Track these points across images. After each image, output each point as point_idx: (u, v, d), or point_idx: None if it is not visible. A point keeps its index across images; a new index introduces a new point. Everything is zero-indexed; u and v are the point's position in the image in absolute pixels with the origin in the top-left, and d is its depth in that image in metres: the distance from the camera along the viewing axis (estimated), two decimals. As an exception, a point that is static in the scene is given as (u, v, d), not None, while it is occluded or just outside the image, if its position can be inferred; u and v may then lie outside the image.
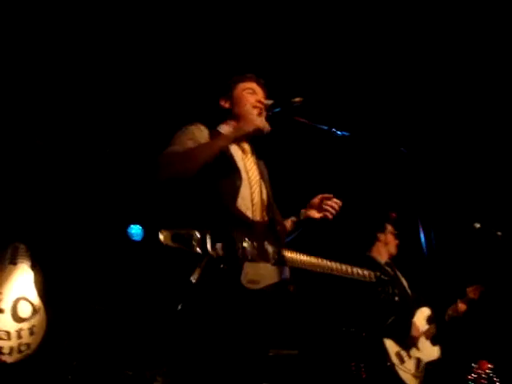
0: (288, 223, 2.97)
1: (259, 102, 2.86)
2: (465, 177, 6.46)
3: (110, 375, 6.23)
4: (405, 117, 5.84)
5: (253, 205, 2.64)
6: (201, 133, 2.70)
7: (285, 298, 2.57)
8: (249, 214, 2.59)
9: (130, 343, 6.83)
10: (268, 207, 2.75)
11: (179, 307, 2.36)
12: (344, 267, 2.81)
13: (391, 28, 5.18)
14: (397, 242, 4.78)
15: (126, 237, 7.43)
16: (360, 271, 2.85)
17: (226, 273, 2.34)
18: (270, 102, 2.86)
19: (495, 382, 7.11)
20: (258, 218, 2.63)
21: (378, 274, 2.93)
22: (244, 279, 2.37)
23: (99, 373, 6.35)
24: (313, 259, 2.71)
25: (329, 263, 2.75)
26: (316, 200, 2.96)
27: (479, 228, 4.30)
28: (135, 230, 7.46)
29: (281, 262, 2.54)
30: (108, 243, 7.16)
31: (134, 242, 7.43)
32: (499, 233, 4.33)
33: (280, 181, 3.04)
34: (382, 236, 4.78)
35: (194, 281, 2.27)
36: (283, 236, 2.76)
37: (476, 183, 6.53)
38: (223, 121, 2.91)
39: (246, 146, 2.89)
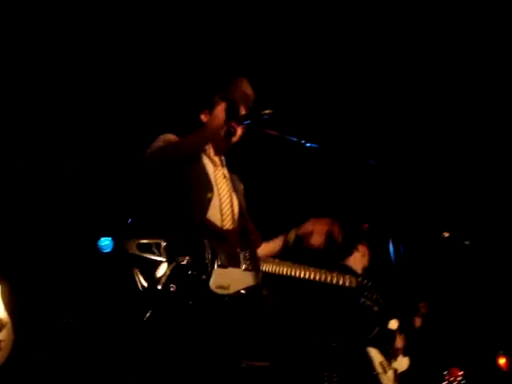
0: (277, 242, 2.98)
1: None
2: (433, 186, 6.55)
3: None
4: (372, 129, 5.91)
5: (222, 214, 2.66)
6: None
7: (258, 303, 2.57)
8: (218, 223, 2.60)
9: (100, 356, 6.75)
10: (240, 217, 2.77)
11: (147, 316, 2.34)
12: (323, 273, 2.82)
13: (356, 42, 5.24)
14: (369, 256, 4.82)
15: (96, 249, 7.35)
16: (340, 277, 2.86)
17: (194, 279, 2.35)
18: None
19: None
20: (228, 227, 2.64)
21: (360, 279, 2.94)
22: (213, 284, 2.37)
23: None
24: (288, 265, 2.73)
25: (306, 269, 2.77)
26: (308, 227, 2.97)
27: (447, 237, 4.36)
28: (105, 242, 7.39)
29: (253, 267, 2.56)
30: (78, 255, 7.08)
31: (104, 254, 7.36)
32: (467, 242, 4.39)
33: (253, 192, 3.05)
34: (360, 247, 4.81)
35: (159, 288, 2.27)
36: (256, 244, 2.77)
37: (444, 193, 6.63)
38: None
39: (217, 159, 2.92)
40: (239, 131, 2.90)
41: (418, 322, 4.75)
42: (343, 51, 5.28)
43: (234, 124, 2.87)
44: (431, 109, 5.88)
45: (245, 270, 2.55)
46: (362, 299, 4.29)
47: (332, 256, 4.77)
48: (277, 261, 2.74)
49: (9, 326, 6.29)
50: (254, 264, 2.59)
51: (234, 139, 2.90)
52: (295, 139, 2.76)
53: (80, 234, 7.14)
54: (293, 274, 2.76)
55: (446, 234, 4.39)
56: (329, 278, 2.83)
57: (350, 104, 5.73)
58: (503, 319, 7.81)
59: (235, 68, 5.21)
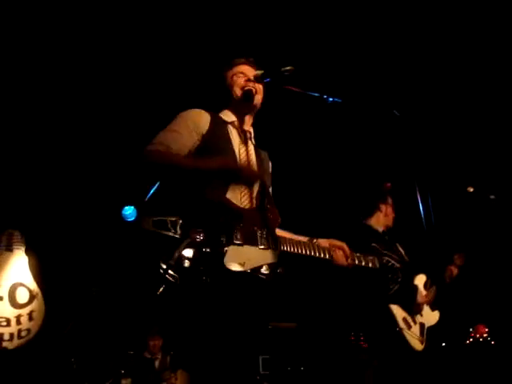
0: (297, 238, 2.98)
1: (248, 80, 2.86)
2: (457, 141, 6.47)
3: (112, 355, 6.27)
4: (396, 80, 5.82)
5: (241, 192, 2.64)
6: (199, 120, 2.71)
7: (273, 280, 2.58)
8: (237, 201, 2.59)
9: (128, 324, 6.87)
10: (261, 195, 2.74)
11: (160, 290, 2.37)
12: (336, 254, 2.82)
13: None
14: (394, 215, 4.78)
15: (120, 218, 7.43)
16: (363, 259, 2.86)
17: (208, 256, 2.35)
18: (260, 72, 2.86)
19: (492, 345, 7.24)
20: (247, 205, 2.63)
21: (385, 260, 2.92)
22: (227, 261, 2.38)
23: (101, 354, 6.39)
24: (305, 245, 2.74)
25: (319, 249, 2.77)
26: (337, 244, 2.96)
27: (473, 192, 4.31)
28: (129, 211, 7.47)
29: (270, 246, 2.56)
30: (102, 225, 7.16)
31: (128, 222, 7.43)
32: (492, 196, 4.34)
33: (278, 153, 3.04)
34: (383, 207, 4.77)
35: (172, 263, 2.28)
36: (275, 223, 2.76)
37: (469, 147, 6.54)
38: (225, 107, 2.91)
39: (247, 132, 2.90)
40: (260, 89, 2.87)
41: (454, 271, 4.70)
42: (362, 6, 5.17)
43: (253, 84, 2.83)
44: (460, 60, 5.76)
45: (262, 248, 2.55)
46: (384, 257, 4.30)
47: (354, 215, 4.76)
48: (295, 240, 2.73)
49: (39, 296, 6.46)
50: (272, 243, 2.59)
51: (259, 98, 2.87)
52: (317, 94, 2.72)
53: (104, 204, 7.21)
54: (313, 254, 2.76)
55: (471, 189, 4.35)
56: (347, 261, 2.82)
57: (371, 56, 5.63)
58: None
59: (253, 28, 5.16)
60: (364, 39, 5.45)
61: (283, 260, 2.63)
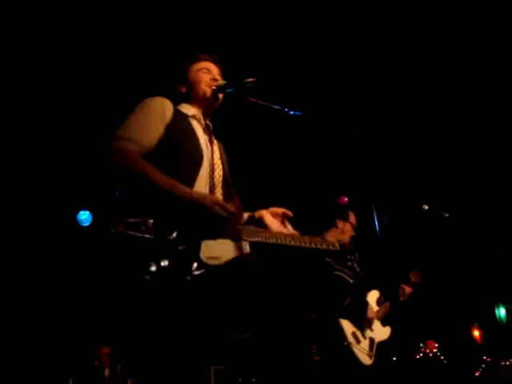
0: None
1: (213, 79, 2.85)
2: (414, 159, 6.59)
3: (61, 363, 6.15)
4: (356, 97, 5.90)
5: (209, 183, 2.63)
6: (164, 110, 2.66)
7: (247, 272, 2.58)
8: (205, 192, 2.58)
9: (78, 332, 6.76)
10: (225, 187, 2.75)
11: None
12: (307, 238, 2.81)
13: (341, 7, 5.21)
14: (353, 234, 4.80)
15: (75, 223, 7.31)
16: (324, 242, 2.86)
17: (184, 253, 2.33)
18: (223, 82, 2.85)
19: (442, 360, 7.37)
20: (215, 195, 2.63)
21: (342, 243, 2.93)
22: (203, 256, 2.37)
23: (49, 361, 6.26)
24: (271, 232, 2.71)
25: (289, 237, 2.76)
26: (278, 211, 2.95)
27: (427, 209, 4.38)
28: (84, 216, 7.35)
29: (237, 238, 2.55)
30: (57, 229, 7.03)
31: (83, 227, 7.32)
32: (446, 214, 4.42)
33: (236, 161, 3.03)
34: (340, 223, 4.79)
35: (153, 268, 2.25)
36: (240, 214, 2.75)
37: (425, 165, 6.67)
38: (183, 101, 2.88)
39: (207, 125, 2.88)
40: (220, 98, 2.87)
41: (407, 289, 4.77)
42: (324, 18, 5.24)
43: (215, 88, 2.83)
44: (416, 77, 5.88)
45: (232, 240, 2.54)
46: (337, 272, 4.35)
47: (310, 231, 4.78)
48: (260, 228, 2.73)
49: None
50: (239, 234, 2.58)
51: (218, 103, 2.87)
52: (278, 107, 2.73)
53: (59, 208, 7.08)
54: (278, 241, 2.76)
55: (426, 207, 4.43)
56: (313, 244, 2.82)
57: (334, 72, 5.70)
58: (478, 292, 7.96)
59: (217, 36, 5.16)
60: (328, 54, 5.53)
61: (258, 251, 2.63)
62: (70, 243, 6.90)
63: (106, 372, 6.25)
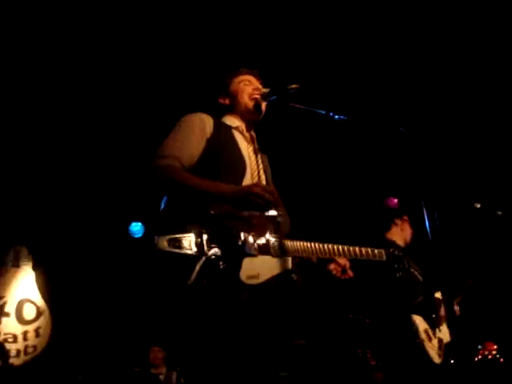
0: None
1: (256, 89, 2.87)
2: (464, 157, 6.46)
3: (119, 372, 6.24)
4: (402, 96, 5.83)
5: None
6: (204, 125, 2.70)
7: (288, 289, 2.55)
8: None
9: (136, 341, 6.85)
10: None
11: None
12: (351, 249, 2.77)
13: (384, 11, 5.17)
14: (412, 231, 4.74)
15: (127, 234, 7.44)
16: (369, 251, 2.81)
17: (224, 271, 2.34)
18: (266, 90, 2.88)
19: (500, 361, 7.17)
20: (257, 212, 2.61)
21: (391, 250, 2.87)
22: (243, 275, 2.36)
23: (107, 371, 6.36)
24: (316, 246, 2.68)
25: (334, 247, 2.72)
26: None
27: (480, 208, 4.29)
28: (136, 228, 7.48)
29: (282, 253, 2.52)
30: (109, 241, 7.17)
31: (135, 239, 7.45)
32: (499, 212, 4.32)
33: (282, 169, 3.03)
34: (398, 221, 4.75)
35: (190, 283, 2.27)
36: (285, 227, 2.74)
37: (476, 163, 6.53)
38: (226, 113, 2.92)
39: (249, 136, 2.90)
40: (263, 107, 2.89)
41: (456, 304, 4.72)
42: (369, 22, 5.21)
43: (258, 97, 2.85)
44: (466, 76, 5.77)
45: (274, 256, 2.52)
46: (396, 268, 4.29)
47: (371, 232, 4.73)
48: (304, 243, 2.69)
49: (46, 312, 6.46)
50: (283, 249, 2.56)
51: (261, 114, 2.89)
52: (323, 112, 2.73)
53: (111, 220, 7.22)
54: (322, 252, 2.72)
55: (478, 205, 4.34)
56: (358, 254, 2.78)
57: (376, 73, 5.65)
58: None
59: (258, 45, 5.19)
60: (371, 56, 5.48)
61: (299, 267, 2.61)
62: (122, 254, 7.03)
63: (162, 378, 6.31)
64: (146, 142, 5.77)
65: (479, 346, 7.43)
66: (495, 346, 7.38)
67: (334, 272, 2.78)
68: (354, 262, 2.82)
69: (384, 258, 2.88)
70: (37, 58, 5.50)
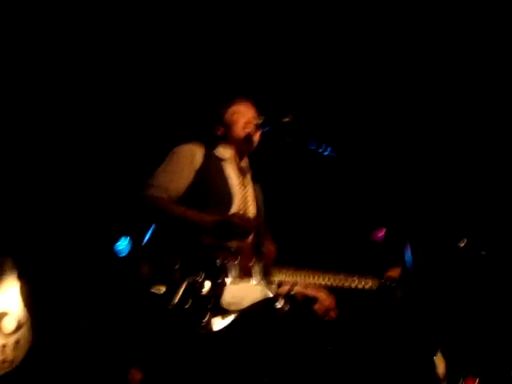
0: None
1: (248, 122, 2.91)
2: (450, 196, 6.52)
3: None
4: (391, 138, 5.90)
5: None
6: (194, 157, 2.74)
7: (271, 316, 2.56)
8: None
9: (115, 361, 6.79)
10: (257, 230, 2.77)
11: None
12: (339, 277, 2.78)
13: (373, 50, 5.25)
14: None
15: (113, 252, 7.40)
16: (359, 279, 2.82)
17: (206, 297, 2.35)
18: (260, 120, 2.91)
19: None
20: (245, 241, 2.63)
21: (382, 280, 2.88)
22: (224, 301, 2.38)
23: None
24: (303, 274, 2.69)
25: (323, 276, 2.74)
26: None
27: (464, 247, 4.33)
28: (121, 247, 7.43)
29: (266, 280, 2.55)
30: (95, 257, 7.13)
31: (121, 257, 7.40)
32: (483, 252, 4.35)
33: (271, 200, 3.07)
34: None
35: (171, 307, 2.28)
36: (271, 257, 2.76)
37: (461, 202, 6.59)
38: (219, 144, 2.95)
39: (242, 166, 2.93)
40: (257, 137, 2.93)
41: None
42: (359, 59, 5.28)
43: (253, 127, 2.89)
44: (449, 120, 5.86)
45: (257, 284, 2.54)
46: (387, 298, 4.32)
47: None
48: (292, 270, 2.71)
49: (27, 325, 6.37)
50: (267, 277, 2.58)
51: (253, 145, 2.93)
52: (313, 147, 2.77)
53: (97, 236, 7.19)
54: (307, 279, 2.74)
55: (462, 244, 4.37)
56: (348, 283, 2.79)
57: (368, 113, 5.73)
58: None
59: (252, 77, 5.24)
60: (365, 96, 5.56)
61: (283, 296, 2.61)
62: (107, 273, 6.99)
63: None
64: (139, 163, 5.81)
65: (461, 381, 7.42)
66: (476, 381, 7.38)
67: (319, 313, 2.80)
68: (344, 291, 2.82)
69: (375, 287, 2.88)
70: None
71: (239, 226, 2.46)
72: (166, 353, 2.49)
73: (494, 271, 4.34)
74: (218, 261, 2.45)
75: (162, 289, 2.33)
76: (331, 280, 2.76)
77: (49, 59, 5.46)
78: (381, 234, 6.77)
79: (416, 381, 4.37)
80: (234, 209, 2.71)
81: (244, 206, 2.78)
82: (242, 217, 2.56)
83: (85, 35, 5.18)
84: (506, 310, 6.79)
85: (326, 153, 2.69)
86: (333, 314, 2.83)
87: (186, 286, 2.34)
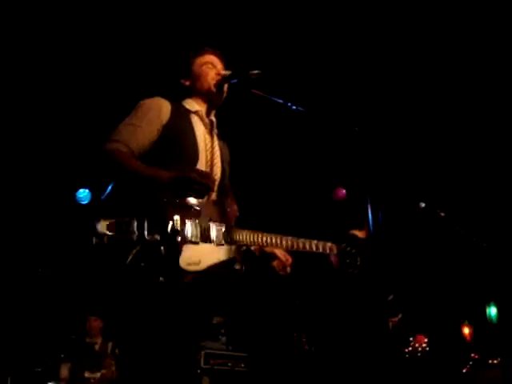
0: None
1: (218, 74, 2.85)
2: (412, 157, 6.62)
3: (53, 339, 6.20)
4: (359, 95, 5.91)
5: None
6: (160, 111, 2.66)
7: (230, 277, 2.57)
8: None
9: (71, 308, 6.80)
10: (220, 188, 2.74)
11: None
12: (297, 241, 2.78)
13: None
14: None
15: (74, 200, 7.34)
16: (316, 245, 2.82)
17: (163, 257, 2.34)
18: (228, 72, 2.86)
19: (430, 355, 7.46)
20: (208, 198, 2.61)
21: (343, 245, 2.87)
22: (183, 262, 2.37)
23: (42, 337, 6.31)
24: (261, 236, 2.68)
25: (279, 239, 2.73)
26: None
27: (424, 208, 4.40)
28: (83, 194, 7.38)
29: (226, 241, 2.54)
30: (56, 206, 7.07)
31: (82, 205, 7.36)
32: (443, 213, 4.44)
33: (236, 155, 3.03)
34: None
35: (127, 263, 2.27)
36: (232, 216, 2.74)
37: (422, 163, 6.70)
38: (188, 96, 2.89)
39: (208, 121, 2.88)
40: (225, 89, 2.87)
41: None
42: (330, 11, 5.23)
43: (220, 82, 2.83)
44: (415, 75, 5.89)
45: (218, 244, 2.53)
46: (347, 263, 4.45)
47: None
48: (250, 233, 2.69)
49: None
50: (228, 238, 2.57)
51: (222, 96, 2.88)
52: (282, 101, 2.74)
53: (58, 185, 7.11)
54: (268, 243, 2.73)
55: (423, 205, 4.45)
56: (308, 246, 2.79)
57: (339, 70, 5.71)
58: (471, 291, 8.02)
59: (222, 28, 5.15)
60: (333, 53, 5.53)
61: (243, 256, 2.63)
62: (68, 220, 6.94)
63: (96, 348, 6.29)
64: (101, 116, 5.71)
65: (410, 339, 7.70)
66: (426, 339, 7.67)
67: (277, 269, 2.82)
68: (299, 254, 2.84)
69: (335, 251, 2.88)
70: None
71: (197, 182, 2.40)
72: (126, 303, 2.47)
73: (451, 231, 4.44)
74: (176, 218, 2.40)
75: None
76: (292, 243, 2.76)
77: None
78: (342, 192, 6.87)
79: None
80: (199, 164, 2.65)
81: (210, 161, 2.72)
82: (200, 173, 2.50)
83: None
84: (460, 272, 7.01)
85: (293, 107, 2.67)
86: (289, 270, 2.85)
87: (143, 245, 2.31)
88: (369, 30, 5.40)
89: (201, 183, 2.41)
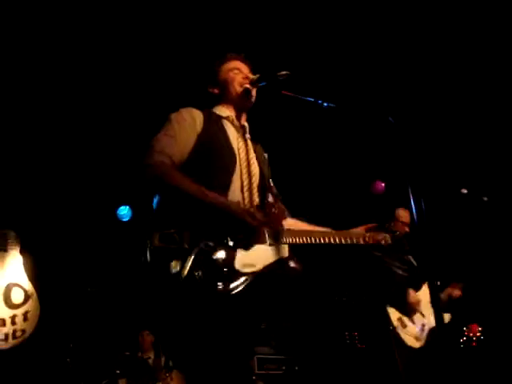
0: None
1: (245, 78, 2.86)
2: (451, 144, 6.51)
3: (108, 356, 6.28)
4: (391, 86, 5.84)
5: (243, 187, 2.64)
6: (194, 121, 2.68)
7: (286, 276, 2.58)
8: (239, 199, 2.58)
9: (124, 325, 6.88)
10: (262, 189, 2.75)
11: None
12: (355, 234, 2.80)
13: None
14: (406, 230, 4.76)
15: (115, 218, 7.44)
16: (372, 237, 2.83)
17: (218, 261, 2.35)
18: (255, 76, 2.86)
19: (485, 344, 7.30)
20: (249, 201, 2.62)
21: (397, 234, 2.90)
22: (238, 264, 2.38)
23: (97, 354, 6.39)
24: (315, 235, 2.70)
25: (335, 235, 2.75)
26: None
27: (466, 194, 4.34)
28: (124, 212, 7.47)
29: (277, 241, 2.55)
30: (97, 225, 7.17)
31: (123, 222, 7.45)
32: (485, 198, 4.37)
33: (273, 159, 3.03)
34: (400, 211, 4.87)
35: (184, 274, 2.28)
36: (280, 217, 2.74)
37: (462, 150, 6.58)
38: (217, 103, 2.90)
39: (242, 126, 2.88)
40: (254, 93, 2.88)
41: (456, 293, 4.95)
42: (361, 10, 5.18)
43: (248, 86, 2.84)
44: (453, 64, 5.79)
45: (270, 245, 2.54)
46: (386, 265, 4.53)
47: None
48: (301, 230, 2.71)
49: (34, 296, 6.44)
50: (279, 238, 2.58)
51: (252, 100, 2.88)
52: (312, 99, 2.72)
53: (99, 203, 7.20)
54: (321, 241, 2.74)
55: (465, 191, 4.38)
56: (361, 240, 2.81)
57: (368, 62, 5.64)
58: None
59: (248, 31, 5.15)
60: (360, 45, 5.47)
61: (296, 253, 2.63)
62: (110, 238, 7.03)
63: (150, 363, 6.36)
64: (136, 128, 5.77)
65: (464, 328, 7.55)
66: (480, 328, 7.51)
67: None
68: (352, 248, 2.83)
69: (389, 241, 2.89)
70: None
71: (245, 221, 2.44)
72: (180, 316, 2.48)
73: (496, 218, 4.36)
74: (226, 225, 2.42)
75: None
76: (343, 239, 2.75)
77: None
78: (381, 186, 6.79)
79: None
80: (236, 171, 2.65)
81: (247, 162, 2.73)
82: (251, 213, 2.51)
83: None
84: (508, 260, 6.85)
85: (325, 104, 2.65)
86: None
87: (198, 253, 2.32)
88: (399, 20, 5.32)
89: (246, 223, 2.45)
